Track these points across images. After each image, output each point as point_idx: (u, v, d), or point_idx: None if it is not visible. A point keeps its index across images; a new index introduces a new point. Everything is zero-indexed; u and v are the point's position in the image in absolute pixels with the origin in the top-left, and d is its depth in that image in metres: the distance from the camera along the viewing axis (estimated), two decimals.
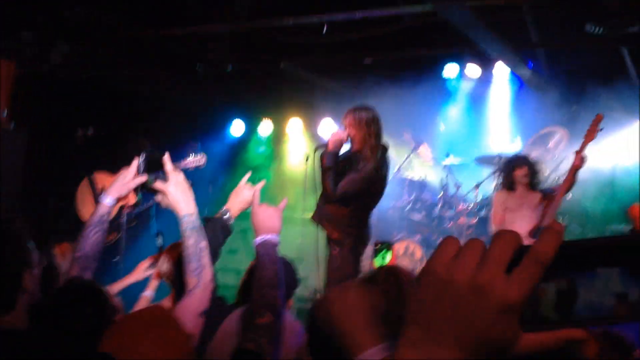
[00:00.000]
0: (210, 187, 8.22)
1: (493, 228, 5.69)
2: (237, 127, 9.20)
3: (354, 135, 4.75)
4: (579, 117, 7.56)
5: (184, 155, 6.34)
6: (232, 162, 9.07)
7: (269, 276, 1.99)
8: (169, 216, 6.34)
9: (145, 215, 6.43)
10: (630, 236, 0.75)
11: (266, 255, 2.07)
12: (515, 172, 5.38)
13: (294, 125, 9.16)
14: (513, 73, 7.17)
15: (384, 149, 4.86)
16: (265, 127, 9.24)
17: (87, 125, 6.33)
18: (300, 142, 9.13)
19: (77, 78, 7.29)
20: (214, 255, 2.64)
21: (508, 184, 5.48)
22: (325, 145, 4.84)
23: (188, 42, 7.15)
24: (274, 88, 8.42)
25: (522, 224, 5.29)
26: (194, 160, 6.13)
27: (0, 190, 5.49)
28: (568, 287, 0.74)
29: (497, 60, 6.86)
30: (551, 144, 7.36)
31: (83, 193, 6.13)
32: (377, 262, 2.88)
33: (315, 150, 4.97)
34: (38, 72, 6.88)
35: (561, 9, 5.37)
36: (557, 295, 0.74)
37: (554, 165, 7.04)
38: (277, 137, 9.32)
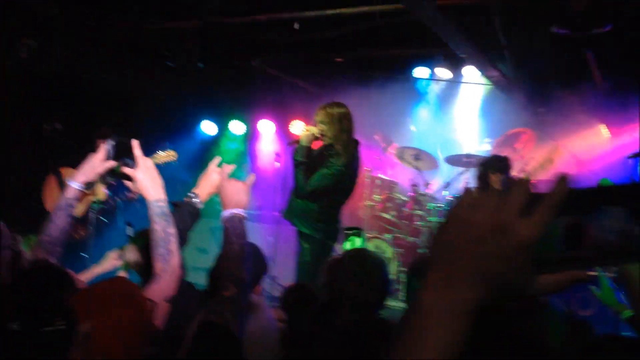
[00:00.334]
0: (180, 185, 8.15)
1: None
2: (208, 126, 9.16)
3: (325, 130, 4.79)
4: (546, 119, 7.74)
5: (154, 151, 6.30)
6: (203, 159, 9.01)
7: (235, 250, 1.99)
8: (136, 212, 6.33)
9: (113, 212, 6.36)
10: (632, 183, 0.82)
11: (233, 228, 2.06)
12: (491, 177, 5.43)
13: (265, 124, 9.15)
14: (482, 74, 7.27)
15: (355, 145, 4.91)
16: (237, 126, 9.22)
17: (54, 120, 6.25)
18: (271, 140, 9.12)
19: (45, 73, 7.19)
20: (183, 239, 2.63)
21: (482, 187, 5.55)
22: (297, 140, 4.87)
23: (160, 37, 7.11)
24: (245, 86, 8.40)
25: None
26: (165, 155, 6.09)
27: None
28: (575, 225, 0.79)
29: (466, 61, 6.96)
30: (518, 144, 7.50)
31: (50, 187, 6.04)
32: (346, 247, 2.91)
33: (288, 145, 4.99)
34: (5, 66, 6.77)
35: (528, 11, 5.47)
36: (566, 232, 0.79)
37: (520, 166, 7.16)
38: (248, 136, 9.30)
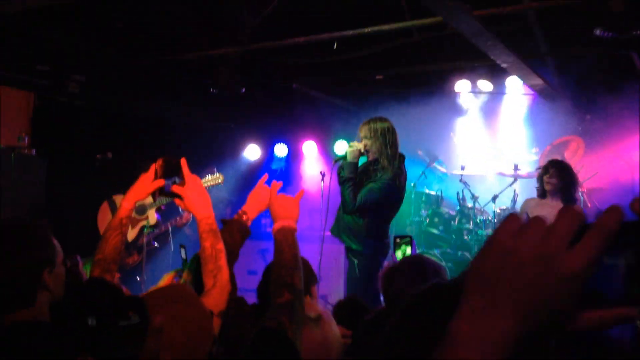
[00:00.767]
0: (227, 209, 8.28)
1: None
2: (252, 150, 9.29)
3: (370, 145, 4.80)
4: (593, 126, 7.57)
5: (202, 175, 6.43)
6: (248, 182, 9.14)
7: (287, 259, 2.01)
8: (186, 236, 6.43)
9: (165, 236, 6.49)
10: None
11: (284, 240, 2.08)
12: (544, 176, 5.38)
13: (308, 145, 9.22)
14: (525, 84, 7.18)
15: (401, 159, 4.90)
16: (281, 149, 9.32)
17: (105, 150, 6.46)
18: (315, 162, 9.18)
19: (94, 106, 7.46)
20: (233, 256, 2.67)
21: (540, 191, 5.47)
22: (343, 157, 4.90)
23: (201, 66, 7.29)
24: (287, 109, 8.51)
25: None
26: (212, 179, 6.20)
27: (24, 215, 5.61)
28: (636, 262, 0.71)
29: (507, 71, 6.89)
30: (567, 153, 7.35)
31: (104, 214, 6.22)
32: (398, 256, 2.90)
33: (334, 163, 5.01)
34: (56, 101, 7.06)
35: (568, 16, 5.41)
36: (626, 270, 0.71)
37: None
38: (292, 158, 9.38)
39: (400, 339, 1.03)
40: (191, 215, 6.16)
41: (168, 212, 6.49)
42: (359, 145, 4.83)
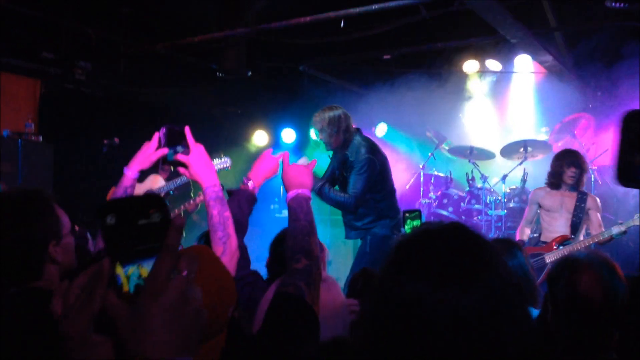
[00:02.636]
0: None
1: (522, 223, 5.67)
2: (260, 136, 9.25)
3: (325, 137, 4.76)
4: (604, 102, 7.48)
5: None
6: None
7: (302, 225, 1.98)
8: (193, 223, 6.38)
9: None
10: None
11: (299, 207, 2.05)
12: (566, 172, 5.27)
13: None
14: (534, 61, 7.09)
15: (358, 132, 4.84)
16: (288, 134, 9.27)
17: (112, 136, 6.43)
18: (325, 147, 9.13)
19: (101, 92, 7.44)
20: (242, 226, 2.63)
21: (555, 183, 5.37)
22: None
23: (206, 50, 7.25)
24: (294, 92, 8.46)
25: (560, 225, 5.30)
26: (220, 162, 6.17)
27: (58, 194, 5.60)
28: None
29: (516, 50, 6.81)
30: (577, 131, 7.26)
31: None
32: (408, 229, 2.85)
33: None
34: (63, 88, 7.04)
35: None
36: None
37: (582, 152, 6.93)
38: (301, 144, 9.33)
39: None
40: (200, 201, 6.15)
41: (178, 197, 6.47)
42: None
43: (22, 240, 1.90)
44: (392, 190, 4.91)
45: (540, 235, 5.54)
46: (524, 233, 5.59)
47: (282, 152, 2.74)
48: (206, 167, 2.42)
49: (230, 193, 2.64)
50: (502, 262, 1.04)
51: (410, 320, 0.99)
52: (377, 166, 4.70)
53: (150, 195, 0.87)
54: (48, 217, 1.97)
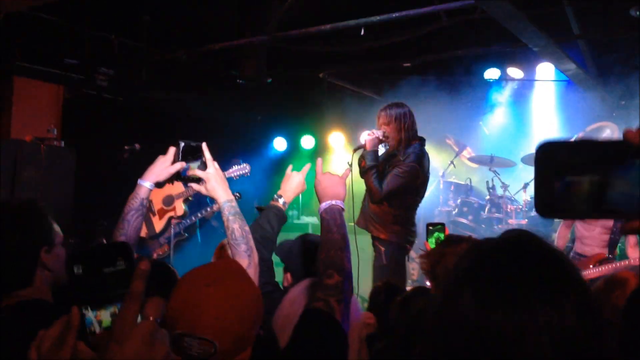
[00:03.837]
0: (255, 201, 8.26)
1: (561, 227, 5.42)
2: (279, 143, 9.27)
3: (389, 132, 4.74)
4: (629, 111, 7.36)
5: (228, 166, 6.41)
6: (276, 175, 9.12)
7: (335, 239, 1.94)
8: (213, 228, 6.39)
9: (192, 228, 6.49)
10: None
11: (332, 219, 2.01)
12: None
13: (336, 138, 9.16)
14: (557, 69, 7.01)
15: (422, 142, 4.83)
16: (308, 141, 9.28)
17: (133, 142, 6.48)
18: (343, 153, 9.12)
19: (122, 98, 7.52)
20: (270, 242, 2.63)
21: None
22: (363, 145, 4.83)
23: (228, 57, 7.28)
24: (314, 100, 8.46)
25: (596, 240, 5.05)
26: (239, 168, 6.18)
27: (52, 206, 5.66)
28: (600, 180, 0.76)
29: (539, 56, 6.74)
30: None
31: None
32: (431, 243, 2.83)
33: (354, 152, 4.94)
34: (85, 94, 7.13)
35: None
36: (590, 187, 0.76)
37: None
38: (320, 150, 9.33)
39: None
40: (217, 208, 6.16)
41: (196, 203, 6.49)
42: (378, 133, 4.76)
43: (14, 245, 1.94)
44: (416, 204, 4.92)
45: (573, 243, 5.30)
46: (563, 240, 5.33)
47: (305, 166, 2.76)
48: (222, 184, 2.44)
49: (260, 209, 2.65)
50: (579, 273, 0.96)
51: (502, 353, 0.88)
52: (418, 178, 4.70)
53: (116, 244, 0.94)
54: (40, 223, 2.04)
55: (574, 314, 0.88)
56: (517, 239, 0.98)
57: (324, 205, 2.09)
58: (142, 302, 0.89)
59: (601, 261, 4.76)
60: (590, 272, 4.66)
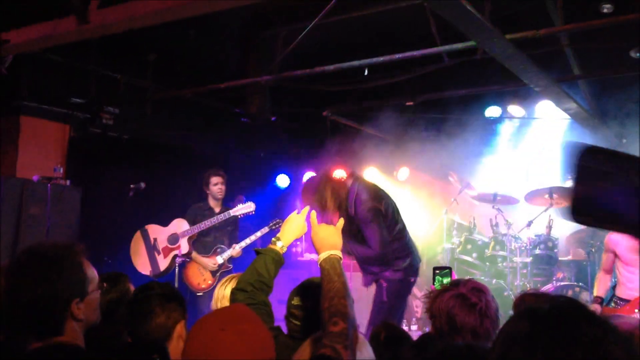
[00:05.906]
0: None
1: (601, 273, 5.13)
2: (282, 179, 9.30)
3: (325, 206, 4.59)
4: (630, 150, 7.41)
5: (232, 205, 6.45)
6: (279, 212, 9.13)
7: (337, 287, 2.01)
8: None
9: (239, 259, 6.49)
10: None
11: (332, 269, 2.08)
12: None
13: (339, 175, 9.17)
14: (558, 108, 7.08)
15: (352, 183, 4.71)
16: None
17: (138, 180, 6.53)
18: None
19: (127, 137, 7.58)
20: (267, 288, 2.62)
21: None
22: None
23: (230, 96, 7.37)
24: (317, 137, 8.53)
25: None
26: (244, 207, 6.24)
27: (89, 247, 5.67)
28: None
29: (540, 96, 6.82)
30: None
31: (137, 246, 6.25)
32: (437, 286, 2.84)
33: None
34: (90, 133, 7.19)
35: (602, 38, 5.34)
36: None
37: None
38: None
39: None
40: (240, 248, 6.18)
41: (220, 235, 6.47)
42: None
43: (46, 297, 1.90)
44: (402, 229, 4.80)
45: (615, 287, 4.99)
46: (604, 285, 5.01)
47: (308, 211, 2.78)
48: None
49: (258, 252, 2.65)
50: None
51: None
52: (383, 211, 4.62)
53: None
54: (75, 274, 1.97)
55: None
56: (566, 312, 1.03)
57: (323, 255, 2.15)
58: None
59: None
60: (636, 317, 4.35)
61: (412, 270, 4.76)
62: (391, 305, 4.66)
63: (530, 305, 1.10)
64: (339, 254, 2.17)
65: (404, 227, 4.82)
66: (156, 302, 2.39)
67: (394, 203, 4.82)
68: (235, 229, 6.52)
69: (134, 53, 7.06)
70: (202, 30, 6.52)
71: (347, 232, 4.69)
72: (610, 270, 5.01)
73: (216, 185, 6.41)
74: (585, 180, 0.84)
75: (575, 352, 0.94)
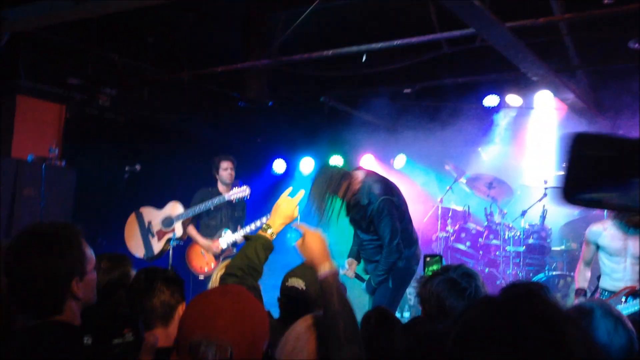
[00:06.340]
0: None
1: (580, 265, 4.96)
2: (279, 165, 9.29)
3: (331, 204, 4.60)
4: None
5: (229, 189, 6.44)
6: (274, 198, 9.12)
7: (338, 309, 1.93)
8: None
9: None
10: None
11: (328, 291, 1.99)
12: (630, 217, 4.47)
13: (336, 161, 9.18)
14: (556, 98, 7.08)
15: (364, 178, 4.73)
16: (306, 165, 9.29)
17: (133, 163, 6.51)
18: None
19: (124, 119, 7.56)
20: (256, 273, 2.62)
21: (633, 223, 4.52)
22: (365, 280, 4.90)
23: (228, 80, 7.34)
24: (315, 123, 8.52)
25: (626, 272, 4.58)
26: (239, 191, 6.22)
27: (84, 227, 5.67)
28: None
29: (538, 86, 6.81)
30: None
31: (131, 228, 6.24)
32: (428, 273, 2.86)
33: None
34: (87, 114, 7.17)
35: (601, 28, 5.33)
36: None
37: None
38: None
39: None
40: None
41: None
42: (349, 274, 4.89)
43: (47, 276, 1.92)
44: (408, 221, 4.86)
45: (599, 279, 4.88)
46: (584, 278, 4.90)
47: (299, 193, 2.76)
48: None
49: (247, 239, 2.64)
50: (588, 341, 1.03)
51: None
52: (394, 202, 4.66)
53: (124, 316, 0.94)
54: (75, 253, 1.99)
55: None
56: (518, 300, 1.05)
57: (322, 275, 2.05)
58: None
59: (634, 294, 4.41)
60: (627, 306, 4.33)
61: (416, 259, 4.80)
62: (395, 293, 4.70)
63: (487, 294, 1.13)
64: (334, 267, 2.06)
65: (410, 218, 4.88)
66: (162, 282, 2.50)
67: (402, 196, 4.86)
68: (243, 215, 6.51)
69: (133, 35, 7.02)
70: (201, 13, 6.49)
71: (357, 224, 4.77)
72: (591, 262, 4.92)
73: (226, 170, 6.38)
74: (576, 163, 0.84)
75: (527, 340, 0.97)
